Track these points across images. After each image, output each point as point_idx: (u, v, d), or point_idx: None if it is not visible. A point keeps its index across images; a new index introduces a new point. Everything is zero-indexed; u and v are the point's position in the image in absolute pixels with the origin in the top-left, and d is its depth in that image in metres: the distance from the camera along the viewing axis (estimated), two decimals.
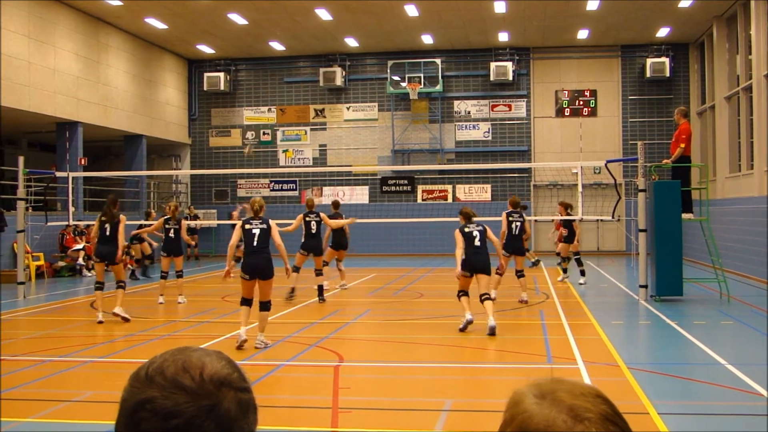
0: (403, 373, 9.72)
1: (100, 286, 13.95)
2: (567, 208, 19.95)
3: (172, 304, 16.30)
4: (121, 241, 14.33)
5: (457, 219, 13.02)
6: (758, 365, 9.35)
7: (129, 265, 22.26)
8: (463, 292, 12.37)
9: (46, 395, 8.56)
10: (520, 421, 1.22)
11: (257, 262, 11.00)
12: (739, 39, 23.79)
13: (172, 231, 16.58)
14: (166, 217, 16.71)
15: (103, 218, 14.11)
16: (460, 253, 12.19)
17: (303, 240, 16.60)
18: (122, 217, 14.33)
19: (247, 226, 11.12)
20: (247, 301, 11.26)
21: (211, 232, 32.25)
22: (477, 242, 12.32)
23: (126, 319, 13.56)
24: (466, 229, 12.40)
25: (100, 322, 13.40)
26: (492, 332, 11.66)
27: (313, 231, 16.62)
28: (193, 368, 1.28)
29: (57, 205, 24.34)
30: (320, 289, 16.22)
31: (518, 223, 15.80)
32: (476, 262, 12.22)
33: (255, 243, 11.03)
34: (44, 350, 11.08)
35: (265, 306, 11.11)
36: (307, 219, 16.65)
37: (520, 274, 15.88)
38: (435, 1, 24.73)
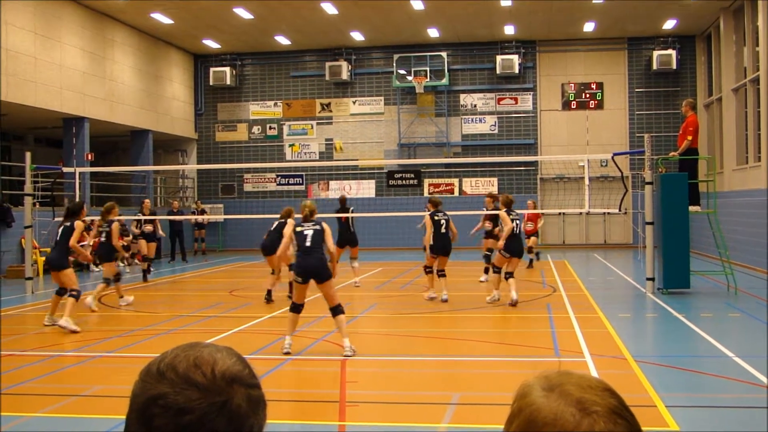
0: (410, 366, 9.73)
1: (60, 291, 12.93)
2: (495, 200, 18.75)
3: (171, 299, 16.33)
4: (76, 248, 13.00)
5: (463, 213, 13.30)
6: (765, 357, 9.33)
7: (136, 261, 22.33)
8: (429, 269, 15.65)
9: (54, 390, 8.59)
10: (527, 413, 1.23)
11: (310, 263, 10.34)
12: (746, 31, 23.71)
13: (104, 234, 15.15)
14: (101, 221, 15.44)
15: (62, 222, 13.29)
16: (429, 237, 15.09)
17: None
18: (78, 223, 12.99)
19: (299, 229, 10.65)
20: (297, 308, 10.49)
21: (218, 227, 32.31)
22: (443, 229, 15.22)
23: (74, 331, 12.07)
24: (436, 217, 15.11)
25: (54, 324, 12.48)
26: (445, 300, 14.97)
27: (272, 229, 15.58)
28: (205, 364, 1.29)
29: (64, 201, 24.36)
30: (291, 285, 15.15)
31: (518, 221, 14.94)
32: (441, 245, 15.20)
33: (308, 243, 10.44)
34: (52, 345, 11.12)
35: (337, 310, 10.37)
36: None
37: (509, 275, 14.80)
38: None
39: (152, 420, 1.24)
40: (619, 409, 1.22)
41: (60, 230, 13.03)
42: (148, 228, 21.07)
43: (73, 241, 12.86)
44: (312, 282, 10.34)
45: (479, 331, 12.10)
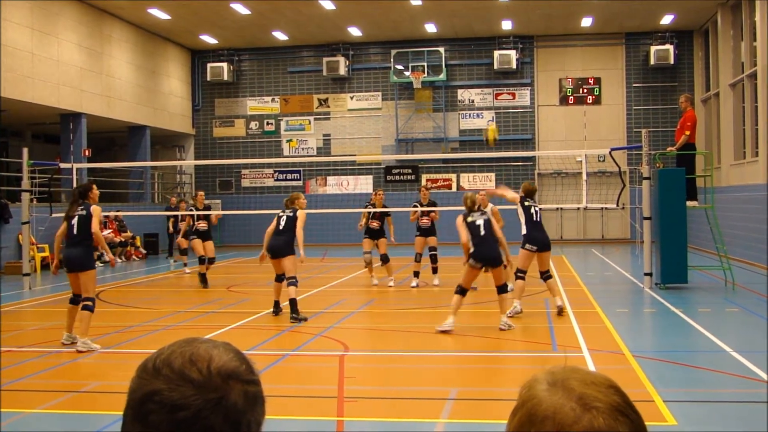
0: (408, 362, 9.73)
1: (73, 299, 10.89)
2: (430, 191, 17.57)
3: (172, 294, 16.28)
4: (99, 237, 10.89)
5: (461, 208, 12.98)
6: (763, 352, 9.34)
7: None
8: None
9: (52, 386, 8.59)
10: (529, 406, 1.23)
11: (487, 251, 11.28)
12: (744, 26, 23.72)
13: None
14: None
15: (69, 213, 10.97)
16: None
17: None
18: (94, 208, 10.82)
19: (470, 219, 11.45)
20: (464, 291, 11.38)
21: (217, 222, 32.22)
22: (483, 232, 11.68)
23: (92, 350, 10.38)
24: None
25: (74, 343, 10.56)
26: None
27: (281, 227, 13.05)
28: (201, 360, 1.28)
29: (61, 197, 24.34)
30: (292, 304, 12.56)
31: (538, 209, 12.93)
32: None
33: (482, 233, 11.34)
34: (50, 341, 11.11)
35: (501, 289, 11.49)
36: (280, 214, 13.29)
37: (547, 275, 12.94)
38: None
39: (148, 416, 1.24)
40: (623, 407, 1.22)
41: (76, 220, 10.73)
42: (202, 225, 18.28)
43: (95, 227, 10.64)
44: None
45: (477, 327, 12.09)
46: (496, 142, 19.51)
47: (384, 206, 18.04)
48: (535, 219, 12.69)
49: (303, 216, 13.13)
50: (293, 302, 12.54)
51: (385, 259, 17.16)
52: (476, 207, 11.66)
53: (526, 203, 12.81)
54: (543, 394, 1.23)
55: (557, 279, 17.41)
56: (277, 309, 13.05)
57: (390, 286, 17.01)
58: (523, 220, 12.72)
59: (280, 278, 13.06)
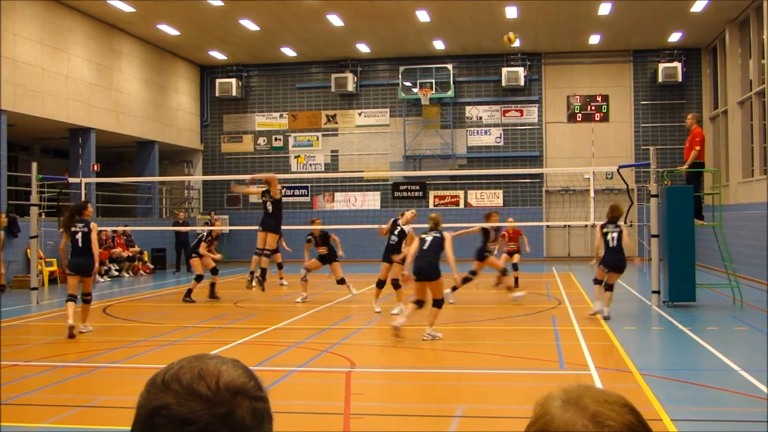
0: (414, 378, 9.70)
1: (72, 298, 12.76)
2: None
3: (178, 309, 16.27)
4: (96, 251, 13.03)
5: (468, 225, 13.18)
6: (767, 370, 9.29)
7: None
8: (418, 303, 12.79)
9: (59, 400, 8.58)
10: (542, 423, 1.24)
11: (420, 264, 12.17)
12: (752, 43, 23.72)
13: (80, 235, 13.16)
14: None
15: (72, 228, 13.01)
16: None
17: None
18: (94, 225, 13.10)
19: (423, 236, 12.51)
20: (420, 303, 12.54)
21: (224, 238, 32.28)
22: (425, 246, 12.46)
23: (72, 334, 12.47)
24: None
25: (72, 329, 12.45)
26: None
27: (270, 210, 16.51)
28: (210, 376, 1.29)
29: None
30: (263, 271, 15.64)
31: (615, 235, 14.42)
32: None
33: (425, 247, 12.26)
34: (57, 355, 11.12)
35: (436, 303, 12.33)
36: (263, 199, 16.80)
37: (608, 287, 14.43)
38: (447, 6, 24.75)
39: (156, 430, 1.25)
40: (636, 426, 1.22)
41: (80, 236, 12.96)
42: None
43: (95, 241, 13.05)
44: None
45: (484, 344, 12.07)
46: (510, 41, 20.23)
47: (325, 234, 18.61)
48: (610, 245, 14.35)
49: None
50: (264, 271, 15.58)
51: (340, 281, 18.09)
52: (438, 226, 12.66)
53: (605, 230, 14.61)
54: (556, 412, 1.24)
55: (565, 298, 17.34)
56: (251, 279, 15.29)
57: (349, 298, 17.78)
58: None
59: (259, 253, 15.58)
